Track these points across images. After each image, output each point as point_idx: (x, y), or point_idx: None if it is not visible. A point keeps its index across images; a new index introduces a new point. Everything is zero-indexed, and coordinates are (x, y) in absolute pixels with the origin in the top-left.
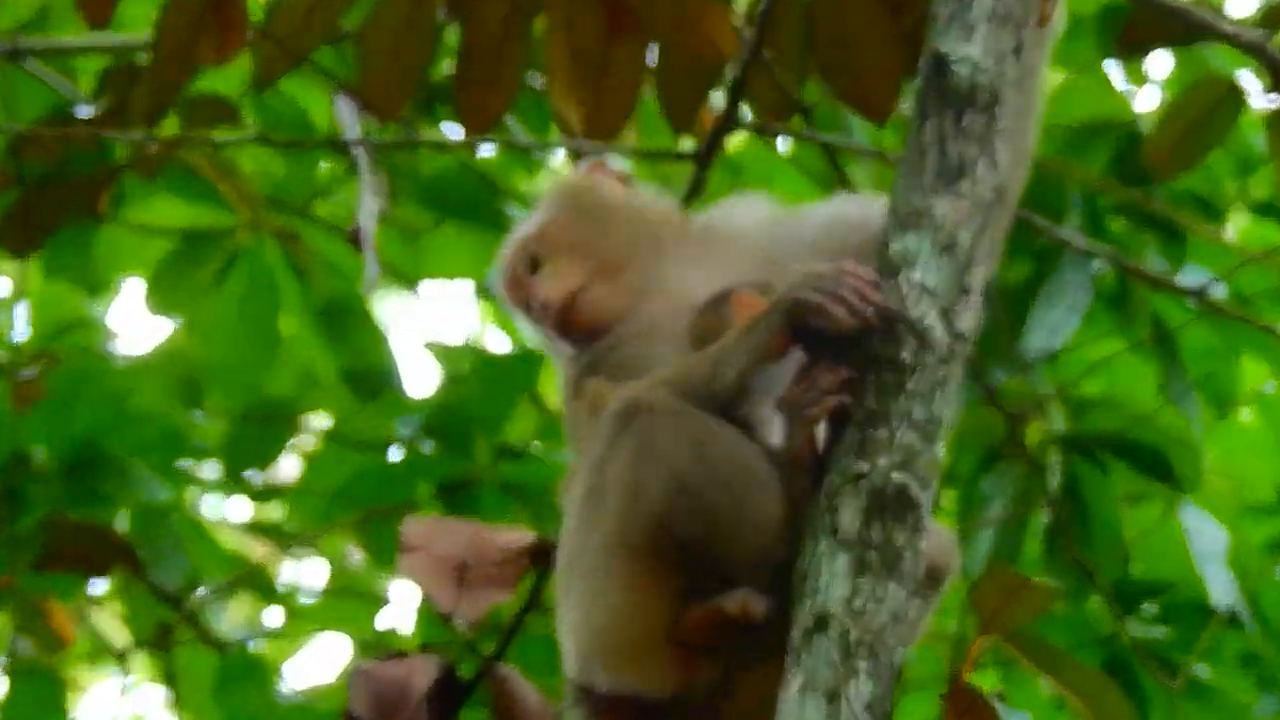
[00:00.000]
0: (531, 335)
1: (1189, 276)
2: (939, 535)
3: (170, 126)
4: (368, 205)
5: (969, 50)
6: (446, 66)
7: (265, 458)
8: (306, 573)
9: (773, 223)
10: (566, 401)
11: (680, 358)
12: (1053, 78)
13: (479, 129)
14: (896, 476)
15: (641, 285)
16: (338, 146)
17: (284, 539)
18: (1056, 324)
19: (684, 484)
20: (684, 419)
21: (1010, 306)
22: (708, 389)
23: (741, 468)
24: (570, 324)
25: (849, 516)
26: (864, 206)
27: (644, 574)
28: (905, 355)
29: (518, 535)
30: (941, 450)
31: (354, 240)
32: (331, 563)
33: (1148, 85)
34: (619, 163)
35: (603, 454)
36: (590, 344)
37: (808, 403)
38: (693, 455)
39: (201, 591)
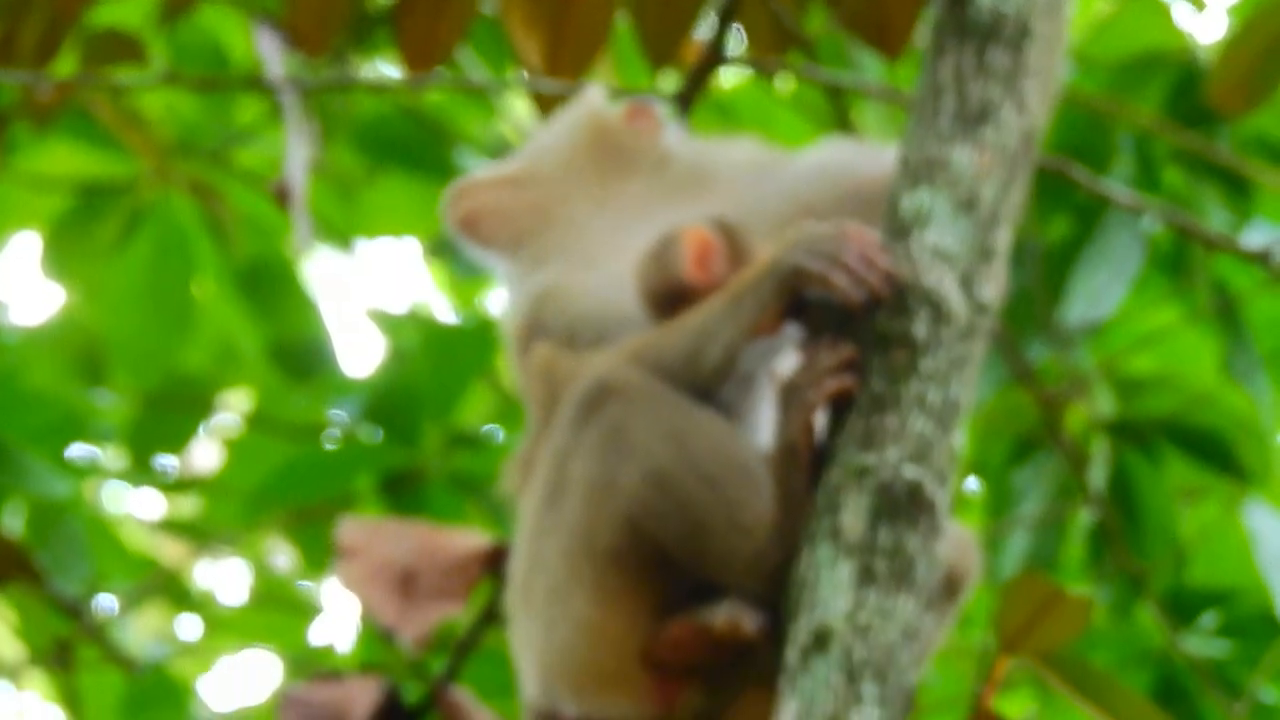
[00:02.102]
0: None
1: (1256, 235)
2: (956, 535)
3: (66, 64)
4: (296, 154)
5: None
6: None
7: (177, 444)
8: (226, 577)
9: (754, 166)
10: (513, 358)
11: (654, 328)
12: (1096, 3)
13: (423, 64)
14: (908, 471)
15: (559, 210)
16: (260, 86)
17: (200, 538)
18: (1101, 291)
19: (661, 479)
20: (660, 404)
21: (1047, 271)
22: (688, 367)
23: (727, 460)
24: (454, 215)
25: (853, 517)
26: (860, 153)
27: (614, 584)
28: (918, 330)
29: (471, 538)
30: (960, 440)
31: (280, 195)
32: (255, 566)
33: (1209, 10)
34: (661, 109)
35: (565, 445)
36: (487, 254)
37: (805, 385)
38: (671, 446)
39: (106, 600)
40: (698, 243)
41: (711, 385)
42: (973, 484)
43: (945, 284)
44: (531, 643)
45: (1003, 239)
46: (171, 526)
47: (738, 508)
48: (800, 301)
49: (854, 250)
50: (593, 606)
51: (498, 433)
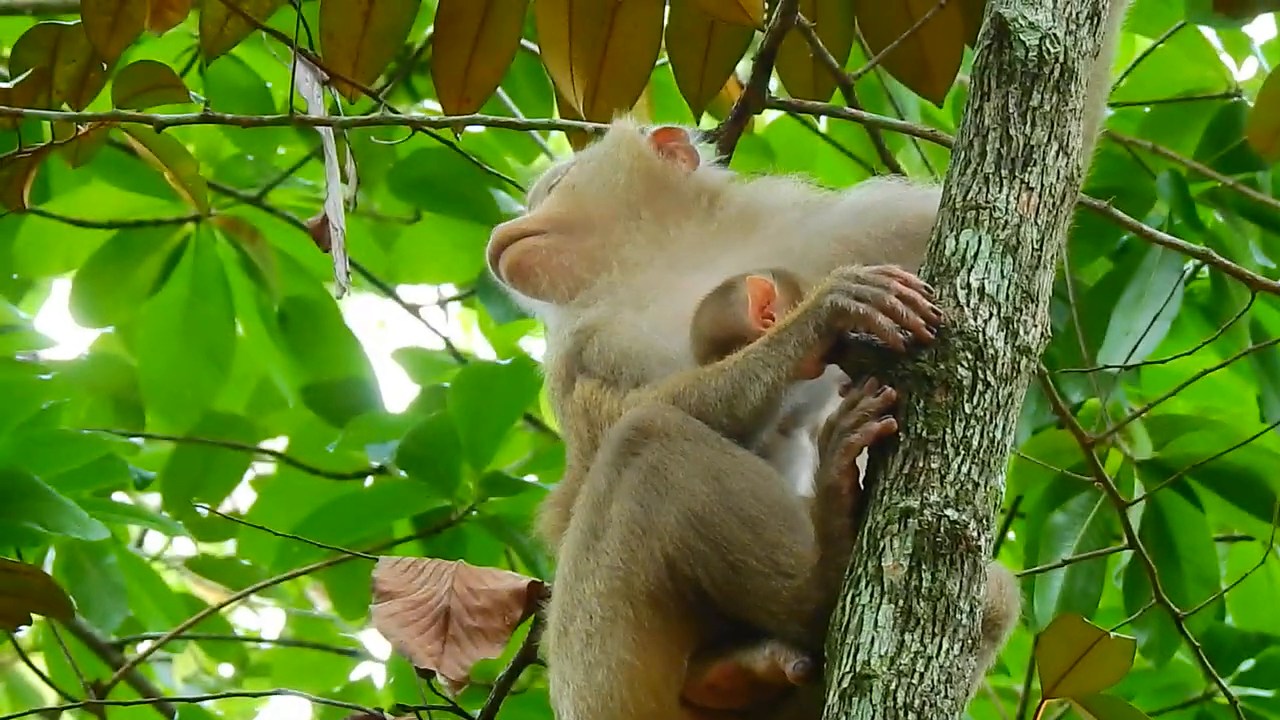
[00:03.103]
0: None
1: None
2: (996, 577)
3: (102, 101)
4: (335, 193)
5: (1037, 16)
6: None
7: (217, 489)
8: (264, 620)
9: (801, 207)
10: (553, 398)
11: (694, 369)
12: (1137, 43)
13: (461, 105)
14: (950, 514)
15: (612, 256)
16: (299, 124)
17: (238, 580)
18: (1140, 333)
19: (700, 521)
20: (699, 445)
21: (1086, 312)
22: (728, 408)
23: (767, 502)
24: (504, 264)
25: (895, 560)
26: (905, 192)
27: (653, 625)
28: (961, 372)
29: (509, 579)
30: (1003, 482)
31: (318, 234)
32: (292, 608)
33: (1249, 52)
34: (694, 136)
35: (603, 488)
36: (534, 301)
37: (847, 427)
38: (710, 487)
39: (143, 645)
40: (760, 291)
41: (752, 427)
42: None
43: (989, 327)
44: (570, 685)
45: (1045, 282)
46: (208, 567)
47: (778, 549)
48: (842, 343)
49: (896, 291)
50: (631, 649)
51: (537, 478)
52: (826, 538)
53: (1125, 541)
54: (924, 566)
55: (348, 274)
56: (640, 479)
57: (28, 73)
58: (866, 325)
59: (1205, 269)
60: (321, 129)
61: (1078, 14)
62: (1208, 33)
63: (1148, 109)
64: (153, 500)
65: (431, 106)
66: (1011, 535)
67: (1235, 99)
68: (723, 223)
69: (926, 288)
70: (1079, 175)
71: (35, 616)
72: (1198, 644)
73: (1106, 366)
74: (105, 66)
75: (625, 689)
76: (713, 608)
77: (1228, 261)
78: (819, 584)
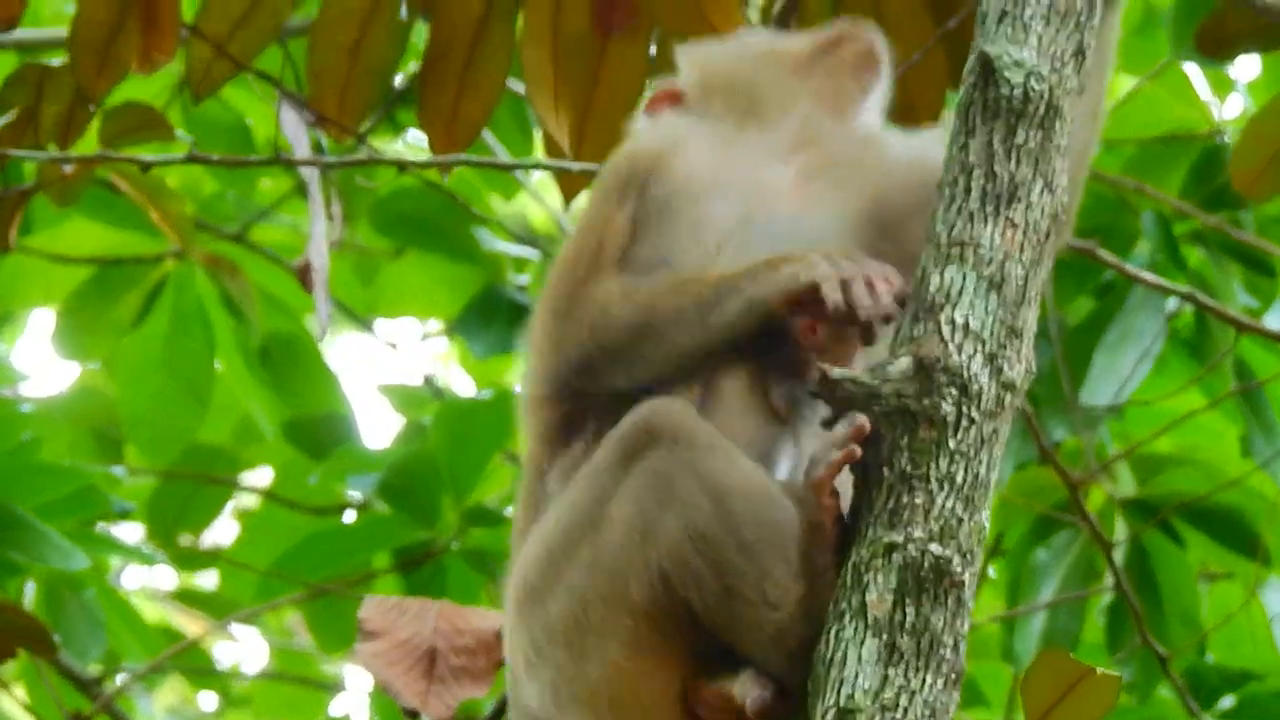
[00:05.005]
0: None
1: (1278, 317)
2: None
3: (88, 141)
4: (318, 232)
5: (1022, 53)
6: (413, 71)
7: (197, 521)
8: (244, 652)
9: (871, 138)
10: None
11: (689, 274)
12: (1120, 82)
13: (448, 144)
14: (934, 549)
15: (763, 102)
16: (283, 163)
17: (218, 612)
18: (1124, 373)
19: (700, 538)
20: (708, 456)
21: (1070, 350)
22: (701, 316)
23: (765, 527)
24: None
25: (879, 595)
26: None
27: (649, 635)
28: (946, 408)
29: (494, 618)
30: (987, 518)
31: (302, 274)
32: (273, 641)
33: (1233, 91)
34: None
35: (606, 482)
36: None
37: (818, 460)
38: (713, 505)
39: (122, 675)
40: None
41: (718, 341)
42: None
43: (973, 363)
44: (550, 662)
45: (1030, 318)
46: (189, 600)
47: (768, 579)
48: (817, 299)
49: (862, 279)
50: (627, 653)
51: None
52: (811, 574)
53: (1107, 580)
54: (908, 602)
55: (329, 316)
56: (645, 483)
57: (13, 112)
58: (832, 286)
59: (1189, 306)
60: (305, 169)
61: (1063, 51)
62: (1191, 72)
63: (1131, 148)
64: (133, 532)
65: (415, 139)
66: (993, 573)
67: (1219, 138)
68: (838, 145)
69: (900, 293)
70: (1064, 213)
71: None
72: (1181, 683)
73: (1091, 406)
74: (92, 107)
75: (622, 687)
76: (701, 629)
77: (1212, 302)
78: (803, 618)
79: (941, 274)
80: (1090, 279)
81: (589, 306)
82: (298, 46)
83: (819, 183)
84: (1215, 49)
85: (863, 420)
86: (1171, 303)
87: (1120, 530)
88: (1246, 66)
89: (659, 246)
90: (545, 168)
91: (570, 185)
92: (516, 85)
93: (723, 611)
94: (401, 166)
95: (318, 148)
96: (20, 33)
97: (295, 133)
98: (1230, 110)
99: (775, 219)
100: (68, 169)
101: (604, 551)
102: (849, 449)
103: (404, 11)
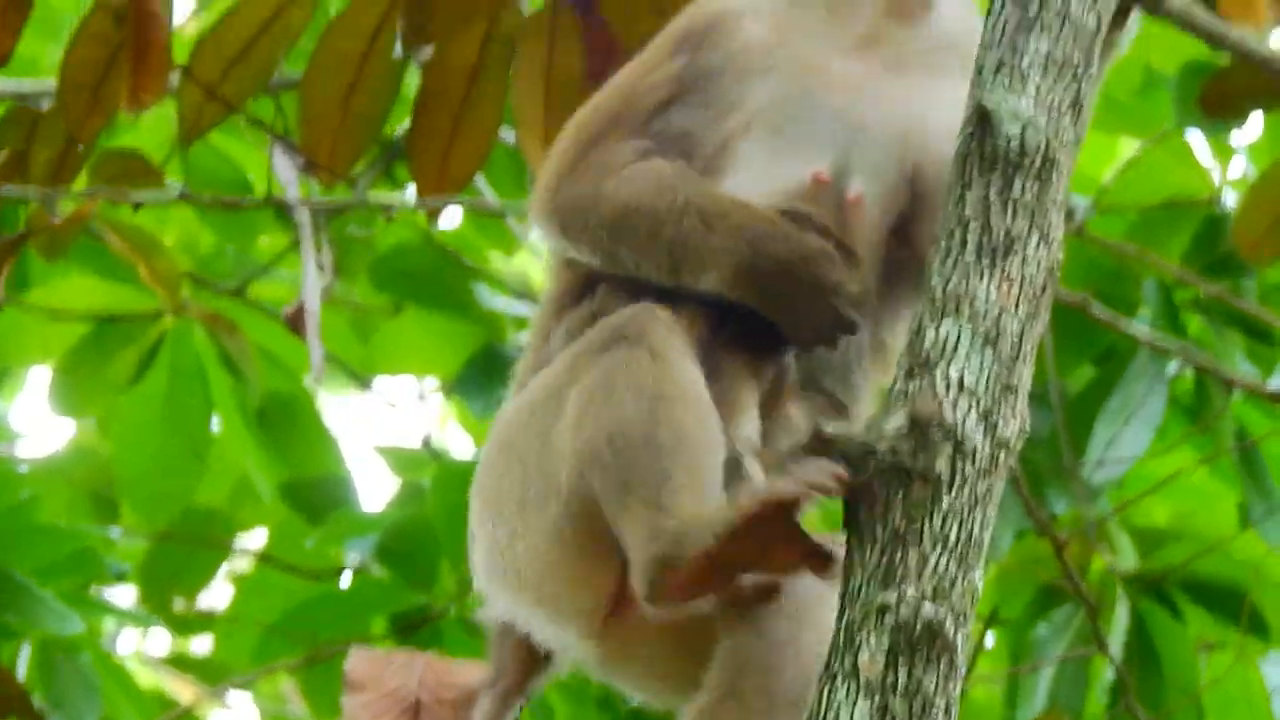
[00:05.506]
0: None
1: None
2: None
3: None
4: (311, 278)
5: (1020, 104)
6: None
7: (193, 584)
8: (238, 718)
9: (946, 47)
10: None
11: (690, 193)
12: (1122, 146)
13: (438, 193)
14: (927, 609)
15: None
16: (275, 209)
17: (212, 678)
18: (1124, 442)
19: (620, 435)
20: (654, 361)
21: (1071, 418)
22: (671, 261)
23: (686, 437)
24: None
25: (871, 656)
26: None
27: (570, 521)
28: (940, 466)
29: (479, 671)
30: (980, 578)
31: (293, 321)
32: (268, 707)
33: (1235, 156)
34: None
35: (573, 369)
36: None
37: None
38: (640, 406)
39: None
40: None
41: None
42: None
43: (968, 420)
44: (489, 530)
45: (1025, 374)
46: (183, 666)
47: (666, 483)
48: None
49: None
50: (552, 540)
51: None
52: (718, 524)
53: (1105, 654)
54: (900, 663)
55: (323, 360)
56: (596, 376)
57: (3, 154)
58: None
59: (1189, 374)
60: (299, 215)
61: (1060, 102)
62: (1193, 139)
63: (1133, 214)
64: (127, 594)
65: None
66: (990, 641)
67: (1220, 205)
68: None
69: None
70: (1059, 266)
71: None
72: None
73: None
74: (81, 149)
75: (544, 570)
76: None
77: (1205, 359)
78: (676, 539)
79: (937, 329)
80: (1091, 347)
81: (590, 169)
82: (290, 99)
83: (876, 84)
84: (1219, 109)
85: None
86: (1171, 367)
87: (1121, 603)
88: (1247, 131)
89: (690, 117)
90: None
91: None
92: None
93: (615, 504)
94: (392, 210)
95: (310, 196)
96: (16, 83)
97: (288, 178)
98: (1231, 175)
99: (819, 111)
100: (58, 217)
101: (551, 434)
102: (808, 494)
103: (399, 50)
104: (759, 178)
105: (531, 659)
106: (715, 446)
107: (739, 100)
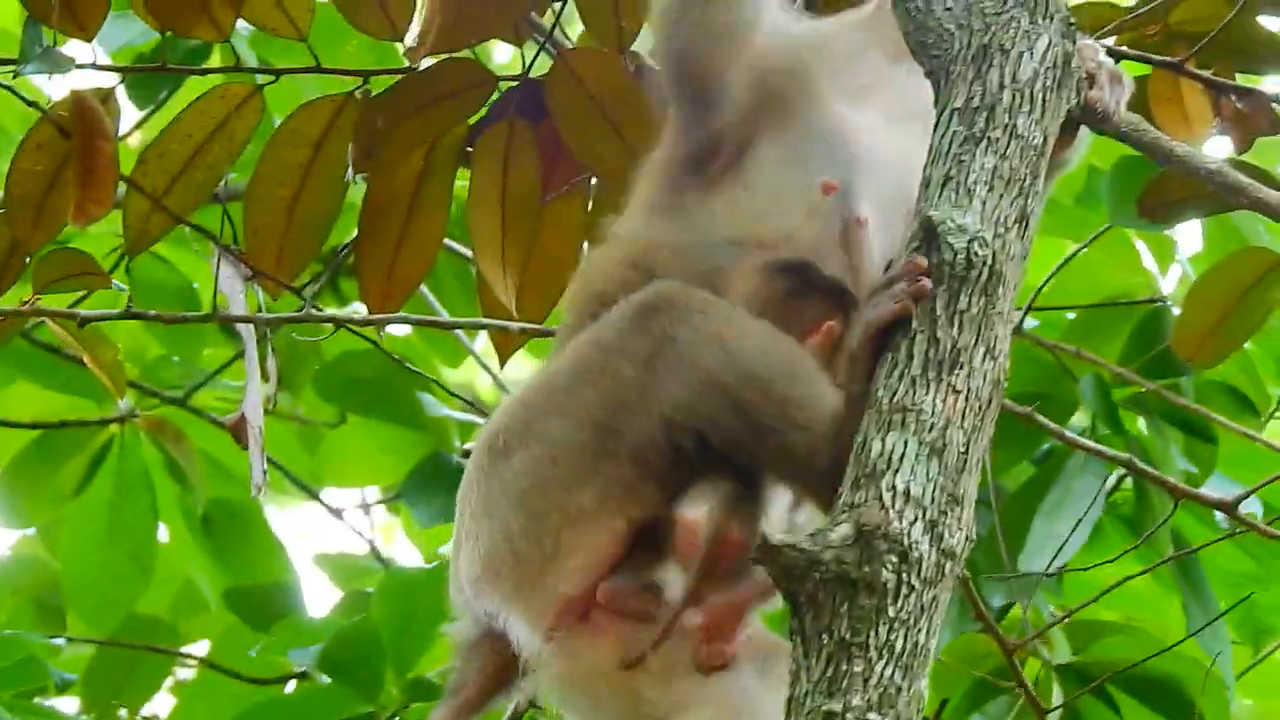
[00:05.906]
0: None
1: (1219, 487)
2: None
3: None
4: (254, 391)
5: (966, 219)
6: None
7: (136, 693)
8: None
9: None
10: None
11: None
12: (1062, 247)
13: (385, 301)
14: (873, 718)
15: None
16: (223, 321)
17: None
18: (1061, 540)
19: (714, 386)
20: (709, 317)
21: (1008, 517)
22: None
23: (778, 361)
24: None
25: None
26: None
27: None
28: (886, 575)
29: None
30: (925, 687)
31: (236, 430)
32: None
33: (1174, 254)
34: None
35: (611, 343)
36: None
37: (873, 306)
38: (720, 354)
39: None
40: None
41: None
42: None
43: (914, 530)
44: (498, 517)
45: (970, 485)
46: None
47: (789, 404)
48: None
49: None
50: (581, 509)
51: None
52: (847, 399)
53: None
54: None
55: (264, 472)
56: (647, 345)
57: None
58: None
59: (1128, 479)
60: (242, 326)
61: (1006, 217)
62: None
63: (1072, 315)
64: (71, 704)
65: (359, 309)
66: None
67: (1160, 304)
68: None
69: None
70: (1005, 378)
71: None
72: None
73: (1028, 574)
74: (28, 259)
75: (558, 551)
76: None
77: (1150, 470)
78: (834, 439)
79: (883, 440)
80: (1030, 447)
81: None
82: (236, 209)
83: (880, 130)
84: (1157, 214)
85: (925, 282)
86: (1112, 474)
87: (1057, 697)
88: (1188, 239)
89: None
90: (486, 327)
91: (507, 346)
92: (456, 246)
93: (749, 445)
94: (339, 323)
95: (257, 307)
96: None
97: (232, 289)
98: (1171, 280)
99: (830, 135)
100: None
101: (594, 404)
102: (904, 304)
103: (348, 163)
104: (771, 183)
105: (496, 676)
106: (796, 346)
107: (755, 114)
